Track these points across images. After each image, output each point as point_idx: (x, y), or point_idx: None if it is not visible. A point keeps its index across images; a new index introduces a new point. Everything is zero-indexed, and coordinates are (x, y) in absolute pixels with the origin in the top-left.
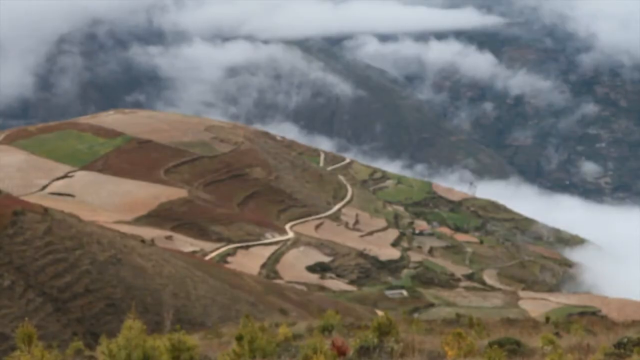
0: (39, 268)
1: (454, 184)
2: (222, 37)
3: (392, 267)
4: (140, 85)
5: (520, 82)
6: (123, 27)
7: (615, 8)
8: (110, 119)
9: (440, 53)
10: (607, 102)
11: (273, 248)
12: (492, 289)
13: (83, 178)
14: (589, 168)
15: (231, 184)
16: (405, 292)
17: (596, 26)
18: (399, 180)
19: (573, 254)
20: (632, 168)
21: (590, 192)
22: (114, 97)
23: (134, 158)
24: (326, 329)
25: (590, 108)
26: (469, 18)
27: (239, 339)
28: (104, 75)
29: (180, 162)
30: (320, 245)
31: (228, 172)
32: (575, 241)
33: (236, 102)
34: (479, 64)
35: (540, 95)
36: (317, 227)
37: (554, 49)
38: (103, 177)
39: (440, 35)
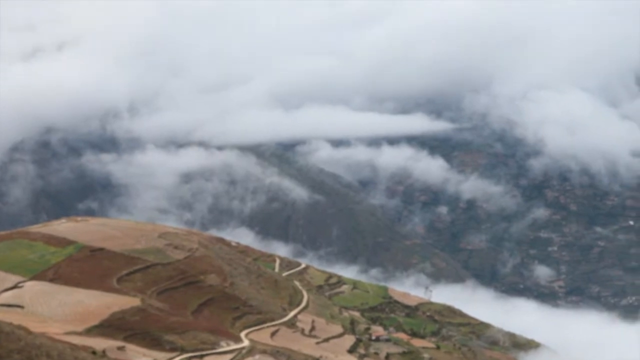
0: None
1: (410, 289)
2: (175, 143)
3: None
4: (93, 193)
5: (472, 186)
6: (76, 135)
7: (561, 115)
8: (62, 227)
9: (392, 158)
10: (557, 206)
11: (228, 357)
12: None
13: (33, 288)
14: (542, 272)
15: (185, 292)
16: None
17: (544, 132)
18: (355, 285)
19: (528, 359)
20: (584, 271)
21: (544, 295)
22: (66, 205)
23: (86, 267)
24: None
25: (541, 212)
26: (420, 123)
27: None
28: (56, 183)
29: (133, 270)
30: (276, 352)
31: (182, 279)
32: (530, 345)
33: (191, 208)
34: (431, 168)
35: (492, 199)
36: (273, 334)
37: (504, 153)
38: (54, 286)
39: (392, 141)
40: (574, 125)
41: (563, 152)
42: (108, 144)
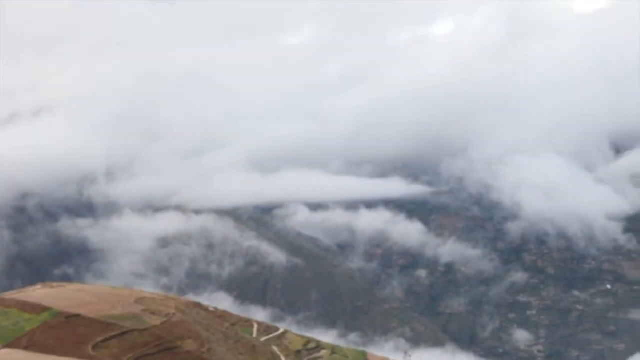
0: None
1: (390, 353)
2: (152, 208)
3: None
4: (70, 258)
5: (450, 250)
6: (53, 200)
7: (537, 179)
8: (37, 293)
9: (370, 221)
10: (535, 270)
11: None
12: None
13: (7, 356)
14: (521, 336)
15: (162, 358)
16: None
17: (520, 196)
18: (334, 350)
19: None
20: (563, 336)
21: None
22: (42, 271)
23: (61, 333)
24: None
25: (519, 276)
26: (397, 187)
27: None
28: (32, 248)
29: (109, 337)
30: None
31: (159, 345)
32: None
33: (168, 273)
34: (408, 232)
35: (470, 263)
36: None
37: (482, 217)
38: (28, 354)
39: (370, 204)
40: (550, 189)
41: (540, 216)
42: (85, 209)
